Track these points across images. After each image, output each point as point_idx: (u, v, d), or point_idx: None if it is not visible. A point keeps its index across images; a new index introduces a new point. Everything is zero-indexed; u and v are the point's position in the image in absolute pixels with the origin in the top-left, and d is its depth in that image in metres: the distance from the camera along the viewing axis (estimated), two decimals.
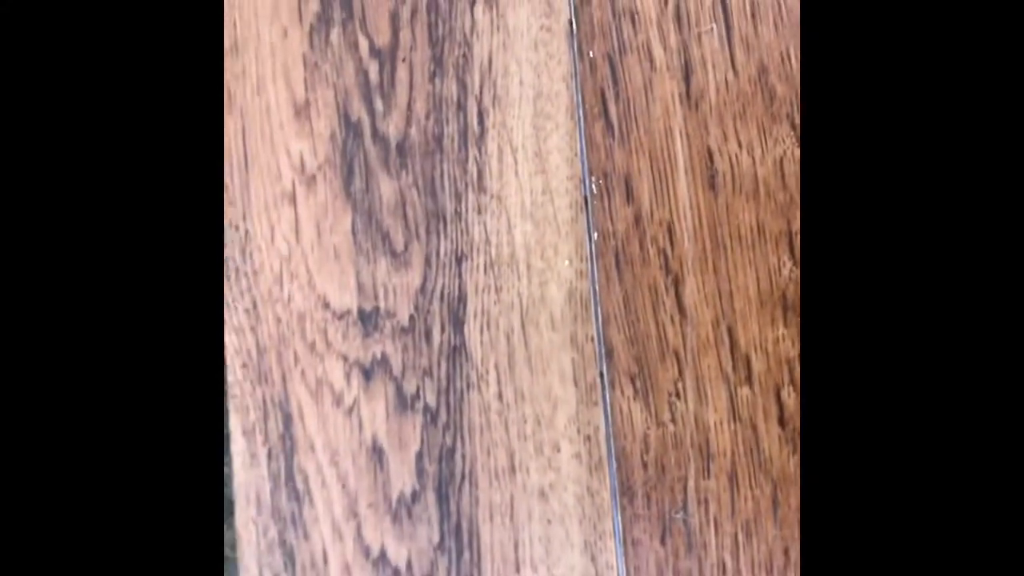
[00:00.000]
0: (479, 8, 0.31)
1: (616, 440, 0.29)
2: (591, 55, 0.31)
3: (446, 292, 0.30)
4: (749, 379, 0.29)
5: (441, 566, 0.29)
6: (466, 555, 0.29)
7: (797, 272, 0.29)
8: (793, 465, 0.29)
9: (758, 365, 0.29)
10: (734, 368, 0.29)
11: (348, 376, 0.30)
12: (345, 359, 0.30)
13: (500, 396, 0.30)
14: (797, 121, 0.30)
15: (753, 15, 0.30)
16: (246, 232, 0.31)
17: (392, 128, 0.31)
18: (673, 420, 0.29)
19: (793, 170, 0.29)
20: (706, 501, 0.29)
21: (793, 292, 0.29)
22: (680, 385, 0.29)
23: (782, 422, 0.29)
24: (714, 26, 0.30)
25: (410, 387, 0.30)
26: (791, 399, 0.29)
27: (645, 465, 0.29)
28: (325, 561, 0.29)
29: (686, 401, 0.29)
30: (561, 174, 0.31)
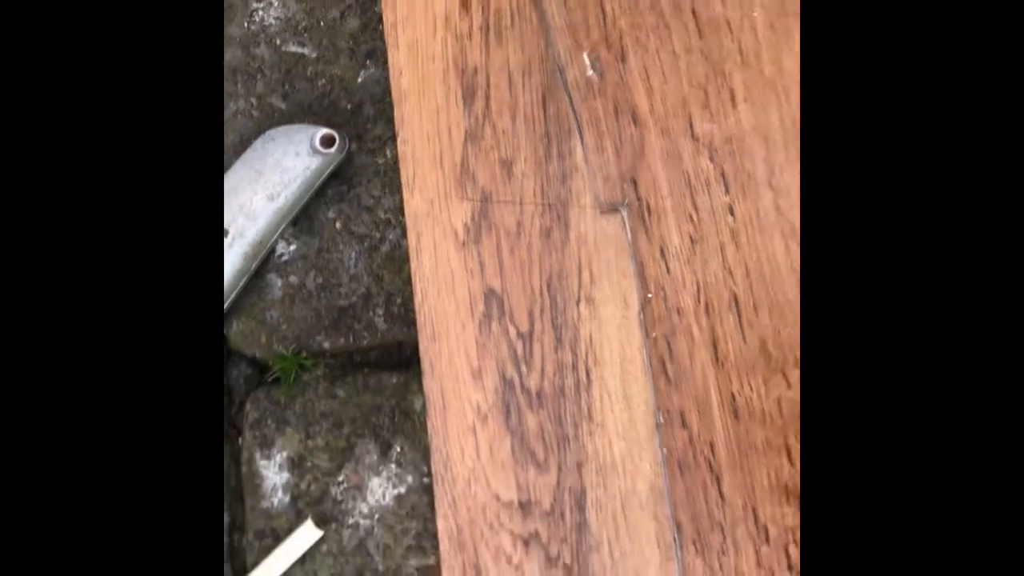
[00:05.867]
0: (582, 305, 0.48)
1: None
2: (653, 335, 0.47)
3: (572, 488, 0.46)
4: (767, 540, 0.43)
5: None
6: None
7: (795, 471, 0.44)
8: None
9: (772, 531, 0.43)
10: (758, 534, 0.43)
11: (514, 545, 0.45)
12: (512, 533, 0.45)
13: (611, 555, 0.44)
14: (787, 372, 0.45)
15: (755, 306, 0.46)
16: (447, 453, 0.47)
17: (533, 383, 0.48)
18: (721, 569, 0.43)
19: (787, 405, 0.45)
20: None
21: (791, 483, 0.44)
22: (725, 546, 0.44)
23: (790, 568, 0.43)
24: (731, 314, 0.46)
25: (553, 551, 0.45)
26: (794, 552, 0.43)
27: None
28: None
29: (729, 556, 0.43)
30: (640, 411, 0.46)
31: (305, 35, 0.55)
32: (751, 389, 0.45)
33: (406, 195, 0.50)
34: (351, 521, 0.50)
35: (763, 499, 0.43)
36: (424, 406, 0.48)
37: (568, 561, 0.44)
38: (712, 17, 0.47)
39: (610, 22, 0.49)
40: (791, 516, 0.43)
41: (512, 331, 0.48)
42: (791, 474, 0.43)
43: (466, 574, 0.45)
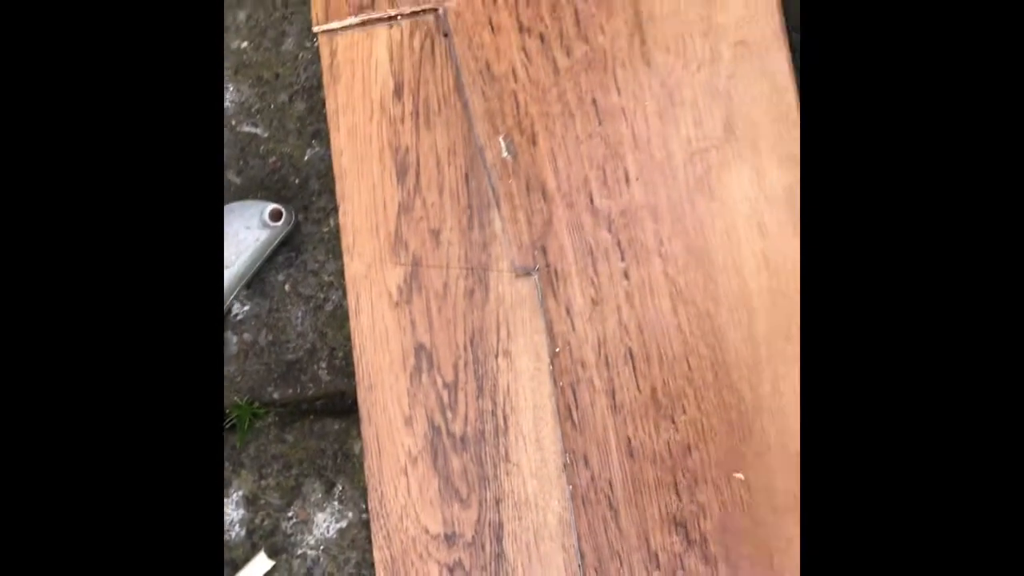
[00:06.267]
0: (501, 358, 0.54)
1: None
2: (561, 384, 0.53)
3: (491, 521, 0.52)
4: (658, 566, 0.49)
5: None
6: None
7: (682, 504, 0.50)
8: None
9: (663, 558, 0.49)
10: (649, 561, 0.49)
11: (441, 573, 0.51)
12: (439, 562, 0.51)
13: None
14: (675, 418, 0.51)
15: (647, 359, 0.52)
16: (382, 492, 0.53)
17: (457, 428, 0.54)
18: None
19: (675, 447, 0.51)
20: None
21: (679, 516, 0.50)
22: (621, 572, 0.49)
23: None
24: (626, 366, 0.53)
25: None
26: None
27: None
28: None
29: None
30: (550, 452, 0.52)
31: (257, 116, 0.61)
32: (644, 433, 0.51)
33: (346, 260, 0.56)
34: (300, 552, 0.55)
35: (654, 530, 0.50)
36: (363, 449, 0.54)
37: None
38: (610, 107, 0.54)
39: (522, 110, 0.55)
40: (678, 544, 0.49)
41: (439, 382, 0.54)
42: (679, 507, 0.50)
43: None
